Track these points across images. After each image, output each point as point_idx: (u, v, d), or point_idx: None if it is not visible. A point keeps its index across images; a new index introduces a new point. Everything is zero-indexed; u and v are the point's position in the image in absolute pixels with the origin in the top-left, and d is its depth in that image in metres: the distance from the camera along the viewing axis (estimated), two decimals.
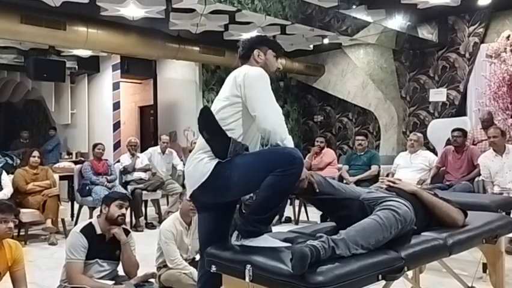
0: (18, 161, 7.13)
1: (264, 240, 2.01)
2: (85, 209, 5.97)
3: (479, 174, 5.14)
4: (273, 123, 2.08)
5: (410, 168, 5.72)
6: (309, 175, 2.16)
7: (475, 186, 5.20)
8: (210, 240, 2.20)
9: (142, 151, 7.40)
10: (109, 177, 6.10)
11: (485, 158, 5.02)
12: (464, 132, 5.53)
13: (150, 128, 10.33)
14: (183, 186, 6.67)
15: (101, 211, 3.12)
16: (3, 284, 2.81)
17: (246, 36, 7.32)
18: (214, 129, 2.14)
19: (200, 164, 2.14)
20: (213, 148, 2.12)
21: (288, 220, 6.34)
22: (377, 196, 2.21)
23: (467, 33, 7.71)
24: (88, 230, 3.01)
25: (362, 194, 2.26)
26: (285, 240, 2.06)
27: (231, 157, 2.07)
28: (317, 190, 2.17)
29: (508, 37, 7.07)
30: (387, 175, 5.76)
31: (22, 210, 5.15)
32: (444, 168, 5.55)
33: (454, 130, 5.53)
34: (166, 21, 6.64)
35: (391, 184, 2.38)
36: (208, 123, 2.17)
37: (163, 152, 7.04)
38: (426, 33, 7.71)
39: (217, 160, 2.10)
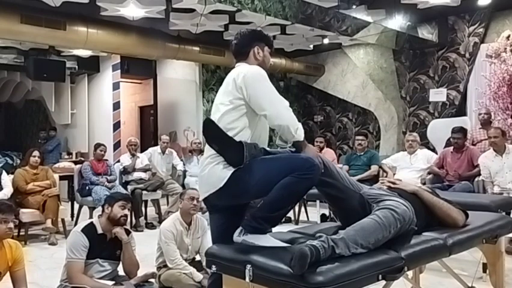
0: (18, 161, 7.15)
1: (265, 240, 2.01)
2: (85, 209, 5.97)
3: (479, 174, 5.14)
4: (286, 118, 2.10)
5: (410, 169, 5.73)
6: (318, 154, 2.15)
7: (475, 186, 5.19)
8: (221, 240, 2.21)
9: (142, 151, 7.40)
10: (109, 178, 6.09)
11: (485, 158, 5.02)
12: (464, 133, 5.51)
13: (150, 128, 10.32)
14: (183, 186, 6.68)
15: (103, 211, 3.12)
16: (3, 284, 2.81)
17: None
18: (222, 140, 2.14)
19: (216, 169, 2.13)
20: (227, 158, 2.12)
21: (288, 220, 6.33)
22: (378, 193, 2.22)
23: (467, 33, 7.71)
24: (89, 230, 3.01)
25: (364, 189, 2.27)
26: (285, 240, 2.06)
27: (248, 161, 2.08)
28: (322, 170, 2.11)
29: (508, 37, 7.07)
30: (386, 175, 5.77)
31: (22, 210, 5.17)
32: (443, 170, 5.53)
33: (454, 131, 5.49)
34: (166, 21, 6.64)
35: (391, 185, 2.38)
36: (215, 135, 2.17)
37: (163, 152, 7.04)
38: (426, 33, 7.71)
39: (231, 168, 2.10)
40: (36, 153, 5.62)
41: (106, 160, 6.41)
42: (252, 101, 2.12)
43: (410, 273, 2.97)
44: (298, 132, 2.10)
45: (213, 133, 2.17)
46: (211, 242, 2.35)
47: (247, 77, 2.14)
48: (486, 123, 5.94)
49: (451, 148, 5.56)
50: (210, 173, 2.16)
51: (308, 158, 2.03)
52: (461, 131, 5.49)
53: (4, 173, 5.42)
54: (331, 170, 2.20)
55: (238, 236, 2.04)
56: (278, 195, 2.00)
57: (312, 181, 2.02)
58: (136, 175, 6.49)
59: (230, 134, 2.13)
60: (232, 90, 2.17)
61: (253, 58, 2.31)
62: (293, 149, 2.19)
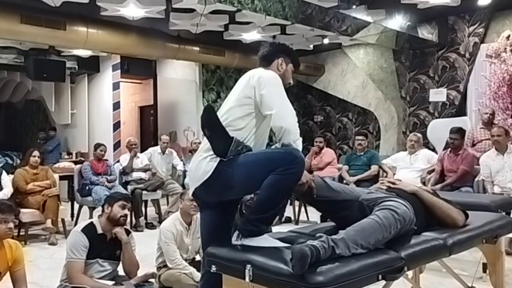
0: (18, 161, 7.14)
1: (264, 240, 2.01)
2: (85, 209, 5.97)
3: (473, 176, 5.14)
4: (290, 122, 2.11)
5: (410, 169, 5.73)
6: (310, 180, 2.17)
7: (475, 186, 5.19)
8: (212, 238, 2.22)
9: (142, 151, 7.40)
10: (109, 178, 6.09)
11: (487, 157, 5.02)
12: (462, 134, 5.46)
13: (150, 128, 10.32)
14: (183, 186, 6.68)
15: (103, 211, 3.12)
16: (3, 284, 2.82)
17: (246, 36, 7.34)
18: (215, 127, 2.15)
19: (203, 163, 2.16)
20: (214, 146, 2.14)
21: (288, 220, 6.34)
22: (377, 196, 2.21)
23: (467, 33, 7.72)
24: (89, 230, 3.01)
25: (362, 195, 2.26)
26: (285, 240, 2.06)
27: (232, 156, 2.09)
28: (315, 196, 2.18)
29: (508, 37, 7.07)
30: (386, 175, 5.77)
31: (22, 210, 5.16)
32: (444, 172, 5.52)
33: (452, 131, 5.44)
34: (166, 21, 6.64)
35: (391, 186, 2.38)
36: (210, 121, 2.19)
37: (163, 152, 7.04)
38: (426, 33, 7.72)
39: (219, 159, 2.11)
40: (36, 153, 5.62)
41: (106, 160, 6.41)
42: (263, 100, 2.13)
43: (410, 273, 2.97)
44: (297, 142, 2.10)
45: (209, 119, 2.19)
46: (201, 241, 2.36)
47: (263, 77, 2.17)
48: (489, 123, 5.94)
49: (448, 150, 5.53)
50: (197, 167, 2.19)
51: (290, 151, 2.04)
52: (459, 131, 5.43)
53: (4, 173, 5.42)
54: (324, 189, 2.22)
55: (236, 240, 2.05)
56: (267, 194, 2.01)
57: (297, 175, 2.02)
58: (136, 175, 6.49)
59: (230, 129, 2.14)
60: (243, 89, 2.20)
61: (276, 68, 2.32)
62: None
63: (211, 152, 2.14)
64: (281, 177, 1.97)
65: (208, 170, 2.12)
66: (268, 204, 2.04)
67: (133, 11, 6.05)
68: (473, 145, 5.97)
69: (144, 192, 6.32)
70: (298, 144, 2.10)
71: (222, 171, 2.10)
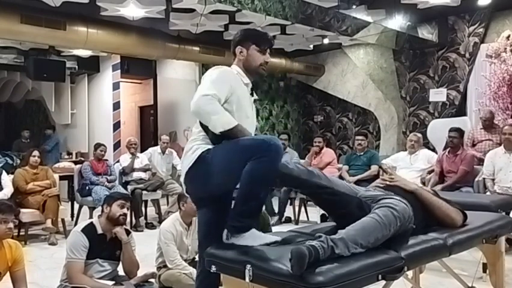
0: (18, 161, 7.13)
1: (252, 237, 2.00)
2: (85, 209, 5.97)
3: (474, 176, 5.13)
4: (195, 105, 2.20)
5: (410, 169, 5.73)
6: None
7: (475, 186, 5.19)
8: (208, 237, 2.21)
9: (142, 151, 7.39)
10: (109, 178, 6.09)
11: (494, 154, 5.01)
12: (460, 133, 5.44)
13: (150, 128, 10.32)
14: None
15: (102, 211, 3.13)
16: (3, 284, 2.82)
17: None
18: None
19: (188, 153, 2.22)
20: (210, 136, 2.19)
21: (288, 220, 6.34)
22: (375, 194, 2.21)
23: (467, 33, 7.72)
24: (89, 230, 3.01)
25: (360, 192, 2.26)
26: (284, 240, 2.06)
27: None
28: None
29: (508, 37, 7.08)
30: (385, 173, 5.75)
31: (22, 210, 5.16)
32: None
33: (450, 130, 5.44)
34: (166, 21, 6.65)
35: (391, 182, 2.37)
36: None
37: (163, 152, 7.03)
38: (426, 33, 7.72)
39: (202, 148, 2.16)
40: (36, 153, 5.62)
41: (106, 160, 6.40)
42: None
43: (410, 273, 2.97)
44: (213, 122, 2.10)
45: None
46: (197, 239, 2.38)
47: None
48: (489, 125, 5.92)
49: (446, 151, 5.51)
50: (184, 158, 2.25)
51: (265, 139, 2.04)
52: (458, 131, 5.42)
53: (4, 173, 5.42)
54: (323, 179, 2.21)
55: (226, 239, 2.05)
56: (243, 184, 2.01)
57: (271, 161, 1.99)
58: (136, 175, 6.48)
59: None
60: None
61: (238, 58, 2.39)
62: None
63: (196, 142, 2.21)
64: (255, 165, 1.97)
65: (191, 159, 2.17)
66: (246, 195, 2.03)
67: (133, 11, 6.05)
68: (473, 145, 5.96)
69: (144, 192, 6.31)
70: (215, 126, 2.09)
71: (204, 158, 2.14)
